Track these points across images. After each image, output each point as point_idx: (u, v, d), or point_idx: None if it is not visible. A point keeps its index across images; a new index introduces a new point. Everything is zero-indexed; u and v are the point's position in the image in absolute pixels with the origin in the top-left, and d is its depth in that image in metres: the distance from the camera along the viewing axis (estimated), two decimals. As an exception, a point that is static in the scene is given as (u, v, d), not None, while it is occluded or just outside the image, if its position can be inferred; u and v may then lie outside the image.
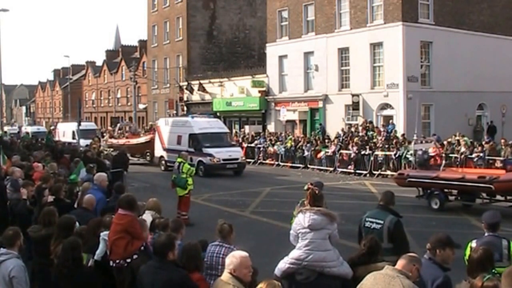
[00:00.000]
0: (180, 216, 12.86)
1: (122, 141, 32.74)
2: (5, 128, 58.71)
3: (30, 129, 51.22)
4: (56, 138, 38.64)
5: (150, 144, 29.89)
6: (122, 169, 17.38)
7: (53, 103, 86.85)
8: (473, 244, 5.84)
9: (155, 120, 48.51)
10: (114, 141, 34.18)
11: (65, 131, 39.00)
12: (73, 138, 35.55)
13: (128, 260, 6.08)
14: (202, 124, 26.84)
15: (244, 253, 4.84)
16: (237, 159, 25.29)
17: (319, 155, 26.77)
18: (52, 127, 55.04)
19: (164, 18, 48.84)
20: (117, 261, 6.16)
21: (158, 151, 28.38)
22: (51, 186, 9.49)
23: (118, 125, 41.37)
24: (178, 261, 5.33)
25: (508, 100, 30.48)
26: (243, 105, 37.05)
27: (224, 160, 24.66)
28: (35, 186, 10.08)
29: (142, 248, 6.20)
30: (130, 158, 31.05)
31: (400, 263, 4.37)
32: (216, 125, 27.55)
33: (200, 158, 24.67)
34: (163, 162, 27.53)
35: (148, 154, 30.80)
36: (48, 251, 6.23)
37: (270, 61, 35.84)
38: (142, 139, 31.95)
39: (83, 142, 31.66)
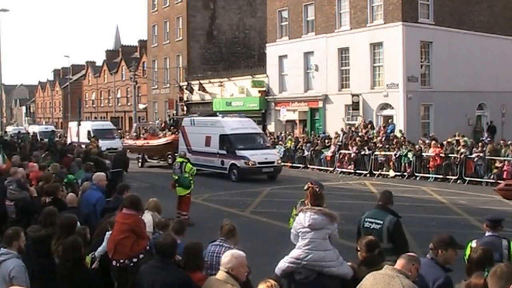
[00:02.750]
0: (180, 216, 12.89)
1: (140, 142, 30.90)
2: (10, 128, 58.39)
3: (38, 128, 48.70)
4: (68, 138, 37.30)
5: (171, 145, 27.49)
6: (122, 169, 17.38)
7: (53, 103, 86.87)
8: (473, 244, 5.86)
9: (155, 120, 48.56)
10: (131, 142, 32.38)
11: (79, 131, 36.45)
12: (89, 138, 32.92)
13: (135, 260, 6.08)
14: (234, 124, 24.50)
15: (242, 253, 4.83)
16: (273, 162, 23.31)
17: (328, 157, 26.41)
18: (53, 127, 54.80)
19: (164, 18, 48.85)
20: (121, 260, 6.15)
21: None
22: (48, 186, 9.51)
23: (135, 125, 38.80)
24: (178, 262, 5.33)
25: (508, 100, 30.49)
26: (243, 105, 37.03)
27: (259, 163, 22.66)
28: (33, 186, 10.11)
29: (147, 247, 6.21)
30: (148, 160, 29.81)
31: (400, 262, 4.38)
32: (249, 125, 25.19)
33: (233, 161, 22.87)
34: None
35: (169, 156, 28.16)
36: (47, 251, 6.24)
37: (270, 61, 35.85)
38: (163, 140, 29.56)
39: (100, 143, 30.10)
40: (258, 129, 26.39)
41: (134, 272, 5.94)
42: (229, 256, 4.78)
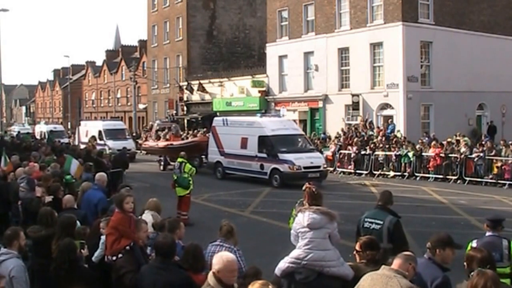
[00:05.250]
0: (180, 216, 12.88)
1: (162, 143, 28.67)
2: (16, 128, 58.11)
3: (46, 127, 46.17)
4: (77, 139, 35.65)
5: (198, 147, 25.47)
6: (122, 169, 17.38)
7: (53, 103, 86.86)
8: (474, 244, 5.85)
9: (154, 120, 48.52)
10: (151, 143, 30.23)
11: (89, 131, 34.11)
12: (100, 139, 31.89)
13: (114, 258, 6.07)
14: (275, 124, 22.59)
15: (231, 257, 4.69)
16: (319, 166, 21.27)
17: (329, 157, 26.35)
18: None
19: (164, 18, 48.85)
20: (108, 257, 6.19)
21: (214, 156, 24.11)
22: (49, 186, 9.52)
23: (155, 125, 36.44)
24: (181, 262, 5.32)
25: (508, 100, 30.49)
26: (243, 105, 37.02)
27: (305, 168, 20.71)
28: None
29: (128, 247, 6.12)
30: (171, 163, 26.59)
31: (396, 262, 4.37)
32: (290, 126, 23.34)
33: (274, 166, 20.93)
34: (219, 169, 23.70)
35: (196, 159, 25.71)
36: (47, 251, 6.24)
37: (270, 61, 35.84)
38: (188, 141, 27.52)
39: (112, 144, 29.17)
40: (300, 130, 24.48)
41: (115, 270, 5.93)
42: (218, 258, 4.69)
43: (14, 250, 5.63)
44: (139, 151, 35.03)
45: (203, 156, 26.05)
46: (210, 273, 4.65)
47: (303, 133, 24.84)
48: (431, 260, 5.00)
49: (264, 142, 21.65)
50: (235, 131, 23.17)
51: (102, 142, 31.12)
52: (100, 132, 33.39)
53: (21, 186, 9.94)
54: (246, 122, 23.49)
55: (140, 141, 35.89)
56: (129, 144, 32.89)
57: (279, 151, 21.17)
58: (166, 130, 32.03)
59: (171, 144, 27.27)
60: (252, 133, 22.29)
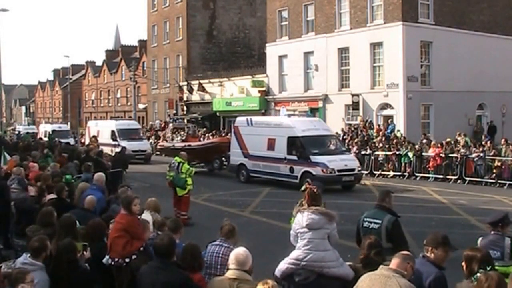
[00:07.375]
0: (179, 216, 12.85)
1: (179, 144, 27.40)
2: (21, 128, 57.98)
3: (50, 127, 45.04)
4: (87, 139, 33.78)
5: (218, 148, 24.72)
6: (121, 169, 17.37)
7: (53, 103, 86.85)
8: (479, 241, 5.89)
9: (154, 120, 48.53)
10: (167, 144, 29.31)
11: (100, 131, 32.68)
12: (113, 139, 31.00)
13: (127, 260, 6.09)
14: (305, 124, 21.31)
15: (245, 249, 5.00)
16: (353, 169, 19.89)
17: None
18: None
19: (164, 18, 48.85)
20: (116, 259, 6.18)
21: (236, 158, 22.74)
22: (53, 185, 9.50)
23: (171, 125, 35.14)
24: (179, 262, 5.33)
25: (508, 100, 30.47)
26: (243, 105, 37.02)
27: (339, 171, 19.31)
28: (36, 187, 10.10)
29: (142, 249, 6.21)
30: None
31: (395, 262, 4.36)
32: (321, 126, 21.96)
33: (306, 168, 19.42)
34: (243, 172, 22.35)
35: (216, 161, 25.34)
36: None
37: (270, 61, 35.83)
38: (207, 142, 26.71)
39: (126, 145, 27.85)
40: (331, 131, 22.97)
41: (128, 272, 5.96)
42: (244, 256, 4.91)
43: (39, 261, 5.40)
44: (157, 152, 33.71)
45: (223, 158, 25.17)
46: (239, 272, 4.77)
47: (335, 134, 23.87)
48: (425, 258, 5.01)
49: (294, 143, 20.25)
50: (260, 132, 21.78)
51: (115, 142, 30.04)
52: (113, 132, 32.21)
53: (13, 187, 9.89)
54: (274, 122, 22.35)
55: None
56: (144, 145, 31.92)
57: (311, 153, 19.72)
58: (176, 130, 31.29)
59: (189, 145, 25.62)
60: (280, 133, 20.88)
